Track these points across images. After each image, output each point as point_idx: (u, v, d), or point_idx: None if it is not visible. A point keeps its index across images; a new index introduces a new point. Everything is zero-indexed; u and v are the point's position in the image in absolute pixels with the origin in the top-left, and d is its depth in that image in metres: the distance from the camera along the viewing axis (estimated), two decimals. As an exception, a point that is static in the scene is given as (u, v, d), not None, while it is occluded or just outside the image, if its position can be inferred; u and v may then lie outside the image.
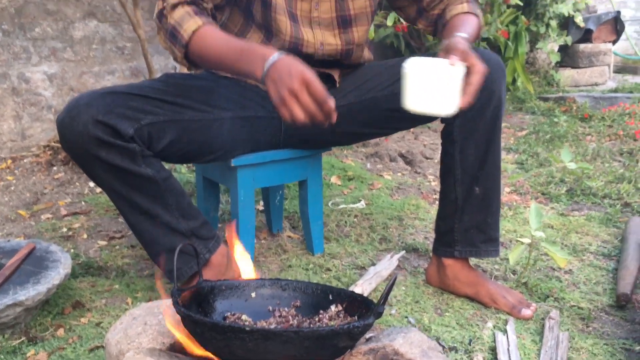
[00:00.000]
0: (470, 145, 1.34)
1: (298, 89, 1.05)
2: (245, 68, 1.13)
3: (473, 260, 1.58)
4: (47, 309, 1.36)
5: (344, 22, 1.42)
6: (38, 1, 2.73)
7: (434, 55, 1.17)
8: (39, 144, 2.75)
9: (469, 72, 1.14)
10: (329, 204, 2.14)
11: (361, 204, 2.15)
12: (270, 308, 1.04)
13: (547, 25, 4.87)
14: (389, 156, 2.91)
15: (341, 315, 1.00)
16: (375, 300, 0.98)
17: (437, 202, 1.61)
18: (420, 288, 1.50)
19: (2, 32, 2.64)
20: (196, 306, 0.98)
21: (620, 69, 6.57)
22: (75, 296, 1.44)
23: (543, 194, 2.30)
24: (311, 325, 0.97)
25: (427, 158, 2.91)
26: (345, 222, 1.97)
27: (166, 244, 1.27)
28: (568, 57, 5.26)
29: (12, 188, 2.33)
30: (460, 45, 1.16)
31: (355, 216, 2.02)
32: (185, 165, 2.43)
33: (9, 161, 2.61)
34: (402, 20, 3.69)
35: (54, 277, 1.29)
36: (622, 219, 1.98)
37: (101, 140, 1.14)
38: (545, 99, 4.32)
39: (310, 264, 1.64)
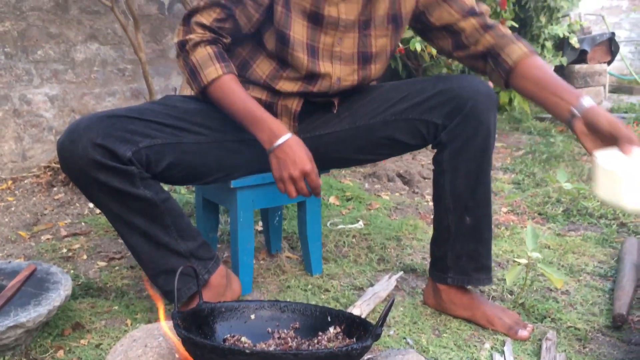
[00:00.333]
0: (460, 175, 1.35)
1: (297, 178, 1.24)
2: (254, 133, 1.27)
3: (470, 281, 1.59)
4: (47, 331, 1.37)
5: (364, 59, 1.41)
6: (41, 25, 2.77)
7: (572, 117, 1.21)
8: (39, 164, 2.77)
9: None
10: (328, 224, 2.16)
11: (359, 224, 2.16)
12: (270, 330, 1.06)
13: (543, 46, 4.93)
14: (387, 176, 2.93)
15: (340, 337, 1.01)
16: (373, 322, 0.99)
17: (434, 223, 1.63)
18: (418, 309, 1.51)
19: (5, 55, 2.68)
20: (196, 328, 1.00)
21: (616, 89, 6.64)
22: (75, 317, 1.44)
23: (540, 214, 2.32)
24: (310, 348, 0.98)
25: (424, 178, 2.93)
26: (344, 242, 1.98)
27: (165, 265, 1.28)
28: (564, 78, 5.30)
29: (13, 209, 2.35)
30: (624, 130, 1.13)
31: (354, 236, 2.04)
32: (184, 186, 2.45)
33: (10, 182, 2.62)
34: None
35: (55, 298, 1.30)
36: (618, 239, 1.99)
37: (100, 163, 1.16)
38: (542, 119, 4.36)
39: (309, 284, 1.65)
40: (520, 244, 1.98)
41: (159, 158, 1.24)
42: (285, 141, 1.24)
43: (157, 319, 1.38)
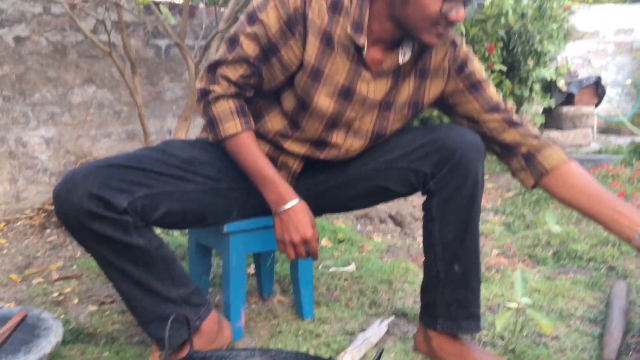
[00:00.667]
0: (449, 224, 1.37)
1: (298, 243, 1.31)
2: (263, 192, 1.33)
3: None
4: (36, 378, 1.36)
5: (377, 137, 1.43)
6: (39, 68, 2.83)
7: None
8: (33, 206, 2.78)
9: None
10: (319, 267, 2.17)
11: (351, 267, 2.17)
12: (260, 379, 1.06)
13: (531, 89, 5.04)
14: (379, 217, 2.95)
15: (330, 386, 1.01)
16: (362, 371, 1.00)
17: (425, 268, 1.64)
18: (409, 355, 1.51)
19: (2, 98, 2.72)
20: (187, 377, 1.00)
21: (605, 130, 6.76)
22: (65, 364, 1.44)
23: (530, 256, 2.34)
24: (300, 397, 0.99)
25: (416, 219, 2.96)
26: (336, 285, 1.99)
27: (157, 312, 1.29)
28: (552, 119, 5.43)
29: (5, 251, 2.35)
30: None
31: (346, 279, 2.05)
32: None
33: (3, 224, 2.63)
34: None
35: (45, 346, 1.30)
36: (607, 283, 2.01)
37: (95, 214, 1.17)
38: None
39: (301, 329, 1.65)
40: (511, 287, 1.99)
41: (155, 207, 1.25)
42: (292, 207, 1.30)
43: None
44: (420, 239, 2.63)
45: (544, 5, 4.58)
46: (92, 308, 1.81)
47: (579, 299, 1.89)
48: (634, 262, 2.20)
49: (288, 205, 1.30)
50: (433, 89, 1.41)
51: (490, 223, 2.87)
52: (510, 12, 3.43)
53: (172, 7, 3.33)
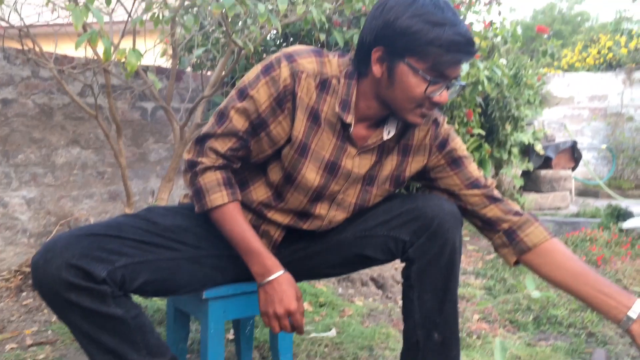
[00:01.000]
0: (427, 291, 1.38)
1: (282, 316, 1.29)
2: (248, 264, 1.33)
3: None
4: None
5: (360, 209, 1.45)
6: (24, 130, 2.85)
7: None
8: (10, 268, 2.73)
9: None
10: (300, 332, 2.14)
11: (332, 333, 2.15)
12: None
13: (510, 152, 5.18)
14: (360, 280, 2.95)
15: None
16: None
17: (404, 335, 1.64)
18: None
19: (-14, 159, 2.73)
20: None
21: (583, 192, 6.90)
22: None
23: (511, 322, 2.34)
24: None
25: (398, 282, 2.96)
26: (316, 352, 1.96)
27: (132, 382, 1.26)
28: (531, 182, 5.54)
29: (-22, 315, 2.29)
30: None
31: (326, 345, 2.02)
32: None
33: (-23, 285, 2.57)
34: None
35: (14, 418, 1.26)
36: (587, 350, 2.01)
37: (73, 284, 1.15)
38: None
39: (279, 399, 1.62)
40: (492, 354, 1.98)
41: (135, 276, 1.24)
42: (276, 278, 1.29)
43: None
44: (401, 302, 2.63)
45: (519, 73, 4.78)
46: (65, 376, 1.77)
47: (560, 367, 1.89)
48: (613, 329, 2.21)
49: (272, 277, 1.29)
50: (415, 165, 1.44)
51: (471, 287, 2.88)
52: (486, 82, 3.57)
53: (159, 70, 3.42)
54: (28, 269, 2.58)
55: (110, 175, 3.22)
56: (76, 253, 1.16)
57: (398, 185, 1.46)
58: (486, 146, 4.84)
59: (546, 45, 4.46)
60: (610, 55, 9.12)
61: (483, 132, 4.60)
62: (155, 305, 2.31)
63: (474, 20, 3.99)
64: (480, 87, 3.72)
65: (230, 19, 2.40)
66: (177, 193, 3.34)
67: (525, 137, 5.23)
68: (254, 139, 1.35)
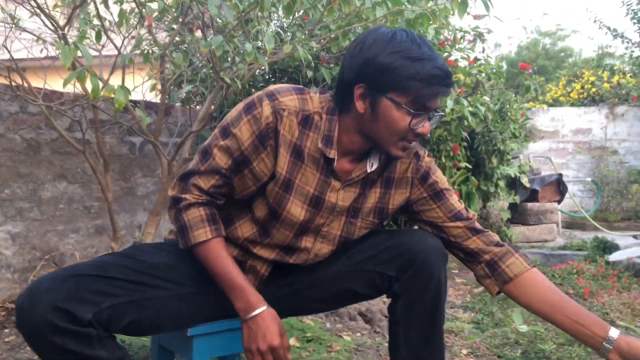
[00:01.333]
0: (413, 327, 1.39)
1: (265, 352, 1.28)
2: (231, 299, 1.32)
3: None
4: None
5: (345, 241, 1.46)
6: (11, 165, 2.85)
7: None
8: (-8, 304, 2.69)
9: None
10: (287, 369, 2.12)
11: (319, 369, 2.13)
12: None
13: (497, 185, 5.23)
14: (348, 314, 2.93)
15: None
16: None
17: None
18: None
19: (-29, 193, 2.71)
20: None
21: (570, 225, 6.95)
22: None
23: (499, 356, 2.33)
24: None
25: (386, 316, 2.94)
26: (303, 389, 1.94)
27: None
28: (518, 215, 5.59)
29: (-42, 353, 2.24)
30: None
31: (313, 383, 2.00)
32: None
33: (-42, 322, 2.53)
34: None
35: None
36: (575, 384, 2.01)
37: (57, 327, 1.14)
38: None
39: None
40: (480, 390, 1.97)
41: (121, 316, 1.23)
42: (259, 313, 1.29)
43: None
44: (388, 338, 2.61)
45: (504, 108, 4.87)
46: (46, 416, 1.72)
47: (548, 402, 1.87)
48: (600, 362, 2.21)
49: (255, 312, 1.29)
50: (397, 197, 1.46)
51: (459, 320, 2.87)
52: (470, 117, 3.63)
53: (149, 105, 3.44)
54: (11, 305, 2.54)
55: (97, 209, 3.21)
56: (62, 295, 1.15)
57: (382, 217, 1.47)
58: (473, 179, 4.89)
59: (530, 81, 4.56)
60: (594, 90, 9.33)
61: (470, 166, 4.65)
62: (140, 342, 2.28)
63: (459, 57, 4.08)
64: (465, 122, 3.78)
65: (218, 57, 2.44)
66: (164, 227, 3.33)
67: (512, 170, 5.30)
68: (237, 176, 1.36)
